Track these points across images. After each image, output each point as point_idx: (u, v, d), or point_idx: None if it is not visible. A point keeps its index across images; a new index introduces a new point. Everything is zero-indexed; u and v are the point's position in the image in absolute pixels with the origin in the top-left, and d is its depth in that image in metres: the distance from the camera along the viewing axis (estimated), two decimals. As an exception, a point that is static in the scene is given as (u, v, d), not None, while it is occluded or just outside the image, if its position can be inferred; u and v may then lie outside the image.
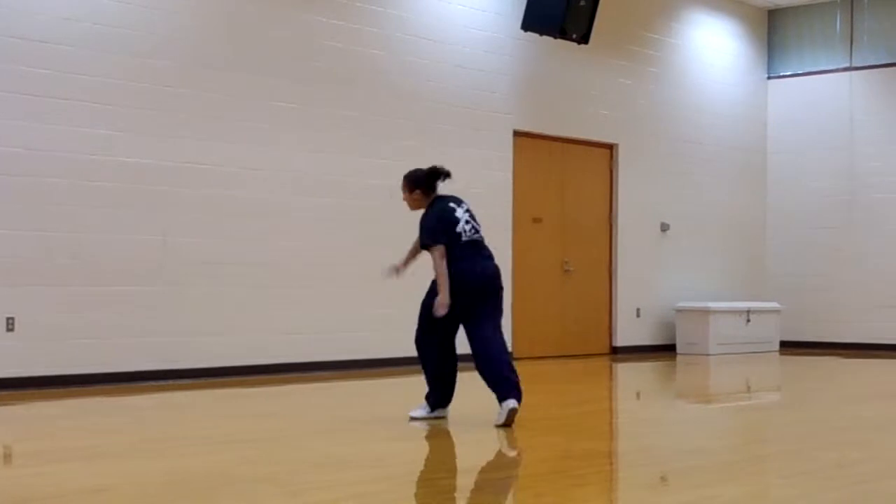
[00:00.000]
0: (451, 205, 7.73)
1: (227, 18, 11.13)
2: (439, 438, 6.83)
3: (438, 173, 7.78)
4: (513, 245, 13.34)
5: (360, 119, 12.11)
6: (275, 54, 11.42)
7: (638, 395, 11.37)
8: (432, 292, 7.54)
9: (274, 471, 5.88)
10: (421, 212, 7.81)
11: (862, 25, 16.61)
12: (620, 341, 15.17)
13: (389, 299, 12.21)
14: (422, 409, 7.63)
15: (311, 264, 11.69)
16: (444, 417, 7.55)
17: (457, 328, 7.59)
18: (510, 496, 5.58)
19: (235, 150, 11.09)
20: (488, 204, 13.29)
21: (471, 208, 7.84)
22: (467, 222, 7.66)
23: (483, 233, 7.79)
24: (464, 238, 7.59)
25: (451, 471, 5.94)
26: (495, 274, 7.67)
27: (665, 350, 15.53)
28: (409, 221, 12.50)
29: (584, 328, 14.77)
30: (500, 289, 7.69)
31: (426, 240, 7.65)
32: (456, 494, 5.32)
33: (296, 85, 11.57)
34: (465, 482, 5.68)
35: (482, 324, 7.47)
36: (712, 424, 8.78)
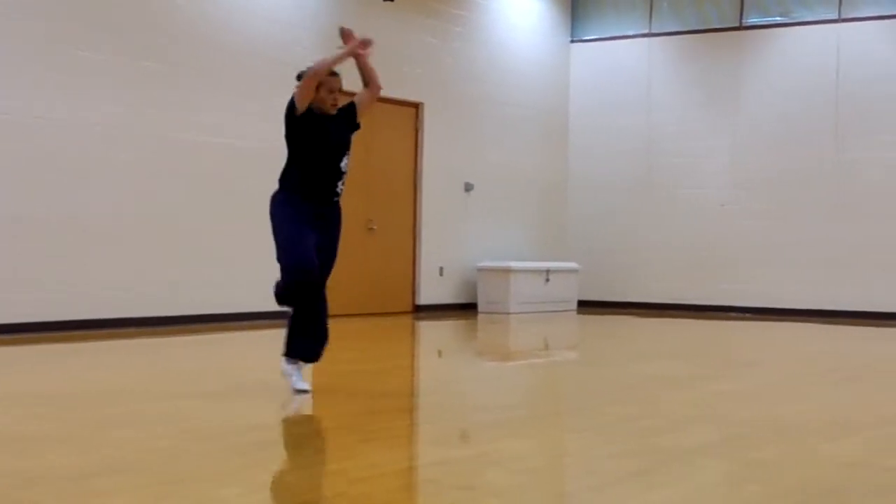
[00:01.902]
0: None
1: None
2: (238, 397, 6.79)
3: None
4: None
5: (160, 69, 11.84)
6: (78, 2, 11.07)
7: (439, 352, 11.48)
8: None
9: (64, 429, 5.75)
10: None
11: (661, -7, 17.03)
12: (423, 300, 15.30)
13: (195, 251, 12.08)
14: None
15: (120, 219, 11.43)
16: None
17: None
18: (294, 452, 5.58)
19: (37, 101, 10.73)
20: (281, 158, 13.22)
21: None
22: None
23: None
24: None
25: (243, 428, 5.91)
26: None
27: (467, 308, 15.74)
28: (217, 177, 12.37)
29: (387, 287, 14.84)
30: None
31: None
32: (243, 449, 5.30)
33: (104, 34, 11.34)
34: (254, 438, 5.66)
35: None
36: (509, 381, 8.93)
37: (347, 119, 7.14)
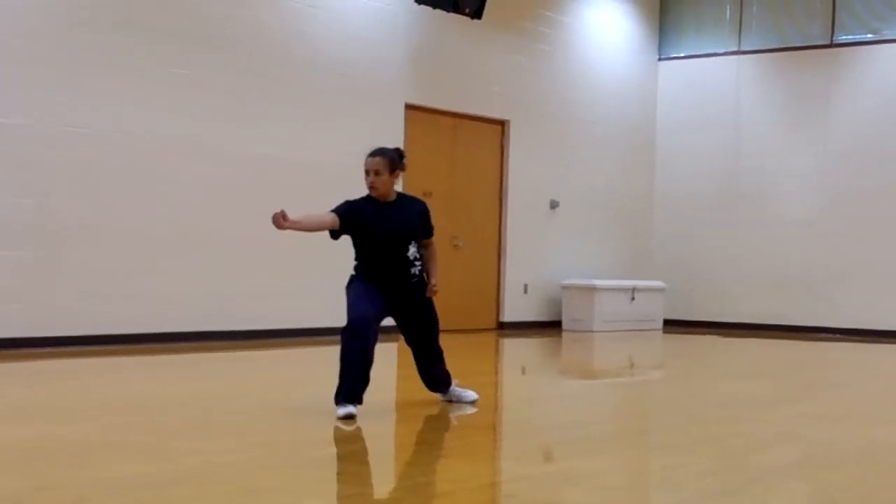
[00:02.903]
0: None
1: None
2: (309, 411, 6.79)
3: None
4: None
5: (248, 86, 11.96)
6: (162, 18, 11.22)
7: (523, 369, 11.44)
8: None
9: (138, 439, 5.80)
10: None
11: (751, 11, 16.88)
12: (508, 317, 15.26)
13: (269, 269, 12.18)
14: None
15: (190, 231, 11.53)
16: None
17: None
18: (375, 466, 5.57)
19: (118, 114, 10.88)
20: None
21: None
22: None
23: None
24: None
25: (320, 442, 5.91)
26: None
27: (551, 326, 15.66)
28: (295, 193, 12.47)
29: (471, 303, 14.81)
30: None
31: (431, 232, 7.09)
32: (320, 463, 5.30)
33: (182, 50, 11.39)
34: (331, 452, 5.66)
35: None
36: (592, 399, 8.87)
37: (420, 213, 7.06)
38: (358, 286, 6.76)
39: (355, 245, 6.86)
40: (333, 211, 6.80)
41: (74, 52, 10.55)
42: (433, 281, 6.99)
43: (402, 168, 6.97)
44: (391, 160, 6.85)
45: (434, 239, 7.11)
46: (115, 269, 10.87)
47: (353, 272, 6.89)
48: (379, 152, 6.92)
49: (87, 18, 10.65)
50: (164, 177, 11.26)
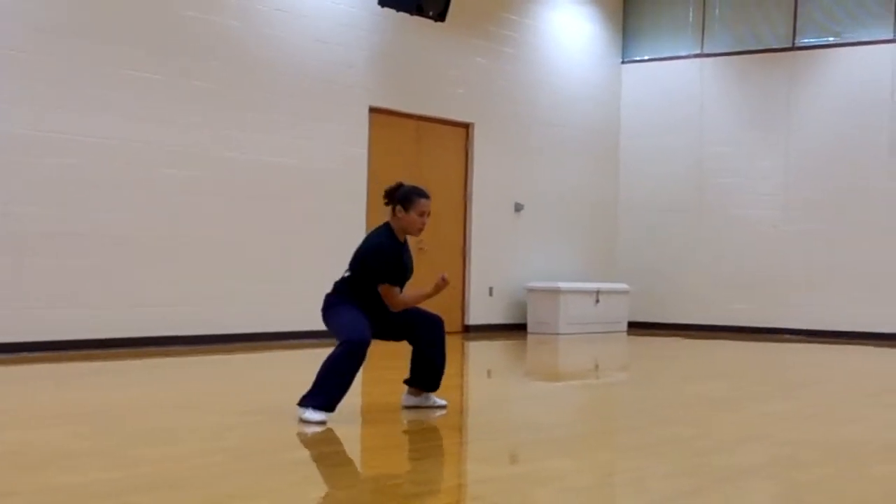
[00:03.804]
0: None
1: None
2: (282, 415, 6.77)
3: None
4: (367, 222, 13.28)
5: (214, 90, 11.91)
6: (130, 23, 11.16)
7: (488, 372, 11.44)
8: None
9: (104, 445, 5.76)
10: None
11: (713, 14, 16.96)
12: (473, 320, 15.27)
13: (242, 273, 12.15)
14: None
15: (162, 236, 11.48)
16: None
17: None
18: (342, 468, 5.56)
19: (90, 121, 10.81)
20: (343, 179, 13.28)
21: (363, 241, 7.15)
22: None
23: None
24: None
25: (287, 445, 5.88)
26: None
27: (516, 329, 15.68)
28: (261, 195, 12.43)
29: (436, 306, 14.65)
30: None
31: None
32: (289, 467, 5.27)
33: (150, 54, 11.33)
34: (301, 455, 5.64)
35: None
36: (558, 401, 8.88)
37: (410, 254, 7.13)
38: (351, 309, 6.77)
39: (363, 278, 6.81)
40: (390, 282, 6.82)
41: (46, 59, 10.46)
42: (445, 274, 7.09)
43: None
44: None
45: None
46: (89, 275, 10.79)
47: (334, 294, 6.87)
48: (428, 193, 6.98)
49: (56, 24, 10.56)
50: (134, 181, 11.18)
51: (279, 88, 12.59)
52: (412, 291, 6.96)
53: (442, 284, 6.97)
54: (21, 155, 10.33)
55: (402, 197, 6.89)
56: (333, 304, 6.85)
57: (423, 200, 6.89)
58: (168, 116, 11.49)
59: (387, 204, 6.98)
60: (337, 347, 6.56)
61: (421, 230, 6.97)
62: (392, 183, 7.12)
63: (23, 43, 10.35)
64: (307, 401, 6.46)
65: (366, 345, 6.58)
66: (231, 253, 12.10)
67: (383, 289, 6.77)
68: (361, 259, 6.85)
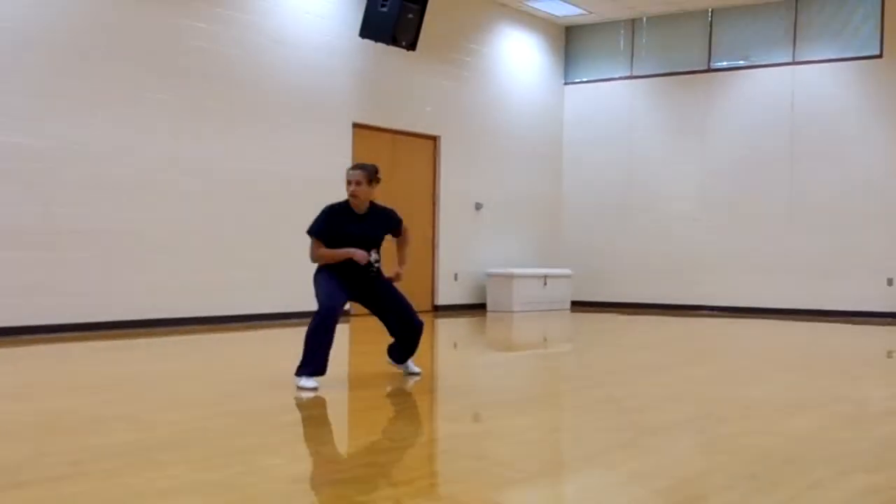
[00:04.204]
0: None
1: (105, 21, 10.70)
2: (277, 384, 6.71)
3: None
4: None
5: (219, 110, 11.81)
6: (147, 51, 11.03)
7: (455, 345, 11.42)
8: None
9: (127, 411, 5.70)
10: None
11: (641, 41, 16.97)
12: (441, 301, 15.23)
13: (238, 263, 12.08)
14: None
15: (175, 233, 11.38)
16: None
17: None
18: (331, 428, 5.52)
19: (110, 135, 10.69)
20: (330, 185, 13.16)
21: None
22: None
23: None
24: None
25: (284, 409, 5.84)
26: None
27: (478, 308, 15.66)
28: (260, 201, 12.34)
29: (410, 290, 14.58)
30: None
31: (401, 231, 7.16)
32: (285, 427, 5.23)
33: (164, 78, 11.20)
34: (294, 417, 5.59)
35: None
36: (513, 369, 8.87)
37: (386, 224, 7.06)
38: (325, 276, 6.75)
39: (327, 245, 6.75)
40: (317, 237, 6.75)
41: (73, 82, 10.34)
42: (400, 268, 7.08)
43: (378, 180, 6.90)
44: (369, 173, 6.82)
45: (405, 228, 7.19)
46: (107, 267, 10.68)
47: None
48: (359, 166, 6.90)
49: (85, 53, 10.43)
50: (149, 187, 11.08)
51: (275, 108, 12.50)
52: (334, 250, 6.75)
53: (394, 278, 7.05)
54: (54, 163, 10.21)
55: None
56: (315, 273, 6.85)
57: (348, 172, 6.88)
58: (178, 132, 11.38)
59: None
60: (313, 317, 6.52)
61: (353, 196, 6.83)
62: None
63: (53, 67, 10.22)
64: (301, 370, 6.45)
65: (333, 311, 6.51)
66: (234, 248, 12.02)
67: (311, 240, 6.73)
68: None
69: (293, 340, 10.72)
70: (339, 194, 13.65)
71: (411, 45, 12.89)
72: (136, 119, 10.93)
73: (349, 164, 13.46)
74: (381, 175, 6.95)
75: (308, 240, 6.81)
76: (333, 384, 6.58)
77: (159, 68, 11.17)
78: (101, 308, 10.64)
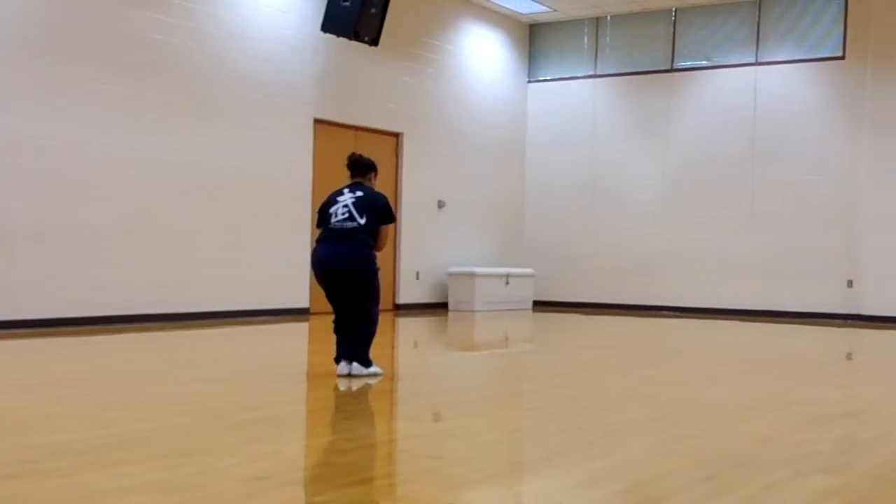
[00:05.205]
0: (344, 190, 7.06)
1: (59, 11, 10.61)
2: (238, 382, 6.71)
3: (348, 161, 7.26)
4: (312, 219, 13.18)
5: (177, 103, 11.75)
6: (102, 43, 10.96)
7: (415, 344, 11.43)
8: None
9: (82, 409, 5.66)
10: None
11: (605, 40, 17.07)
12: (402, 299, 15.24)
13: (201, 259, 12.01)
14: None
15: (129, 228, 11.30)
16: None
17: (342, 298, 7.02)
18: (288, 428, 5.51)
19: (60, 127, 10.60)
20: (291, 180, 13.18)
21: (367, 196, 6.98)
22: (344, 206, 6.93)
23: (365, 222, 6.90)
24: (331, 222, 6.93)
25: (240, 408, 5.83)
26: (338, 263, 6.85)
27: (439, 307, 15.68)
28: (220, 196, 12.29)
29: (371, 288, 14.69)
30: (345, 276, 6.87)
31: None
32: (241, 426, 5.23)
33: (120, 71, 11.13)
34: (251, 416, 5.58)
35: (348, 304, 7.02)
36: (473, 368, 8.89)
37: None
38: None
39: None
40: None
41: (26, 74, 10.24)
42: None
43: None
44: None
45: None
46: (63, 262, 10.59)
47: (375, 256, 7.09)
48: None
49: (39, 46, 10.34)
50: (104, 181, 11.00)
51: (235, 102, 12.45)
52: None
53: None
54: (4, 157, 10.10)
55: None
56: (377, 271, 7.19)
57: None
58: (134, 126, 11.30)
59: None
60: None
61: None
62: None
63: (4, 59, 10.11)
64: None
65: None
66: (195, 244, 11.96)
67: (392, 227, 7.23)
68: None
69: (250, 338, 10.73)
70: (300, 190, 13.66)
71: (374, 41, 12.87)
72: (90, 112, 10.84)
73: (310, 159, 13.48)
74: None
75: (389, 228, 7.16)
76: (292, 383, 6.58)
77: (115, 60, 11.09)
78: (55, 305, 10.54)
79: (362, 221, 6.89)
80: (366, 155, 7.39)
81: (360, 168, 7.21)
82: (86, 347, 9.43)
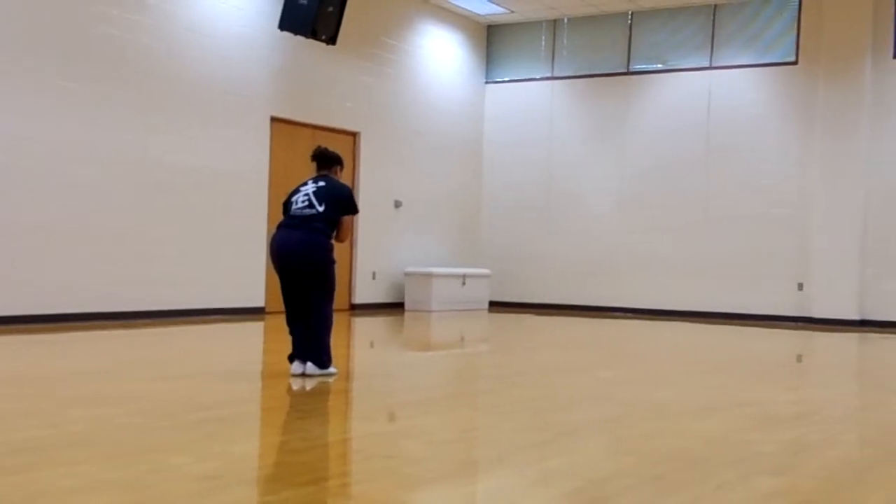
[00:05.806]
0: (309, 181, 7.12)
1: (11, 5, 10.50)
2: (196, 380, 6.68)
3: (313, 154, 7.33)
4: (268, 218, 13.15)
5: (131, 100, 11.67)
6: (55, 38, 10.84)
7: (371, 344, 11.42)
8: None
9: (39, 407, 5.61)
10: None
11: (562, 43, 17.16)
12: (358, 299, 15.22)
13: (156, 257, 11.93)
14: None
15: (83, 225, 11.20)
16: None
17: (295, 288, 7.00)
18: (242, 427, 5.50)
19: (14, 123, 10.49)
20: (247, 180, 13.12)
21: (329, 186, 7.02)
22: (305, 195, 6.97)
23: (324, 209, 6.91)
24: (291, 209, 6.98)
25: (196, 407, 5.80)
26: (292, 249, 6.85)
27: (396, 307, 15.68)
28: (175, 193, 12.21)
29: (327, 287, 14.66)
30: (300, 261, 6.86)
31: None
32: (196, 425, 5.21)
33: (73, 66, 11.03)
34: (206, 415, 5.56)
35: (300, 295, 6.99)
36: (429, 368, 8.91)
37: None
38: None
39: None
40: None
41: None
42: None
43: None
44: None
45: None
46: (18, 260, 10.47)
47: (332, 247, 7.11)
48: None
49: (7, 44, 10.25)
50: (58, 177, 10.89)
51: (190, 99, 12.38)
52: None
53: None
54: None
55: None
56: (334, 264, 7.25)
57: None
58: (87, 122, 11.20)
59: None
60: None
61: None
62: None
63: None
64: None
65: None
66: (150, 241, 11.88)
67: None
68: None
69: (205, 337, 10.67)
70: (257, 188, 13.62)
71: (331, 39, 12.86)
72: (42, 109, 10.73)
73: (266, 158, 13.43)
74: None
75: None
76: (246, 382, 6.56)
77: (68, 56, 10.98)
78: (10, 303, 10.42)
79: (320, 209, 6.93)
80: (331, 149, 7.39)
81: (326, 161, 7.26)
82: (40, 346, 9.33)
